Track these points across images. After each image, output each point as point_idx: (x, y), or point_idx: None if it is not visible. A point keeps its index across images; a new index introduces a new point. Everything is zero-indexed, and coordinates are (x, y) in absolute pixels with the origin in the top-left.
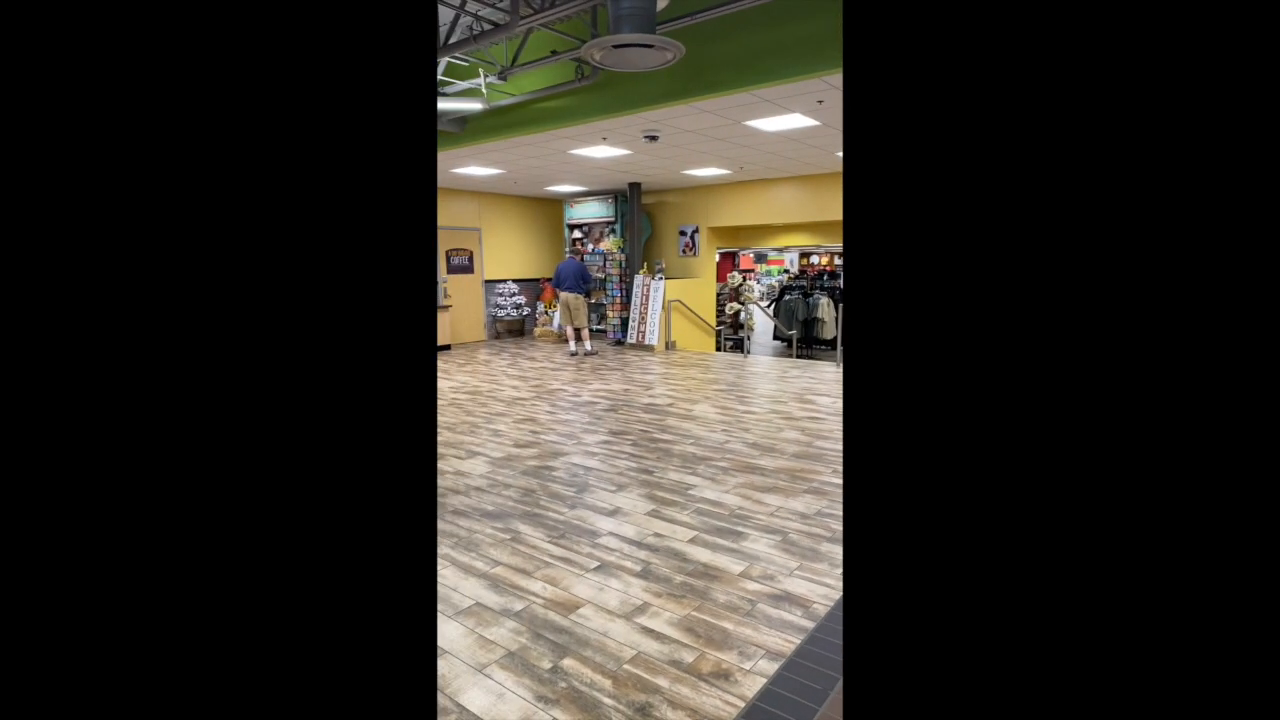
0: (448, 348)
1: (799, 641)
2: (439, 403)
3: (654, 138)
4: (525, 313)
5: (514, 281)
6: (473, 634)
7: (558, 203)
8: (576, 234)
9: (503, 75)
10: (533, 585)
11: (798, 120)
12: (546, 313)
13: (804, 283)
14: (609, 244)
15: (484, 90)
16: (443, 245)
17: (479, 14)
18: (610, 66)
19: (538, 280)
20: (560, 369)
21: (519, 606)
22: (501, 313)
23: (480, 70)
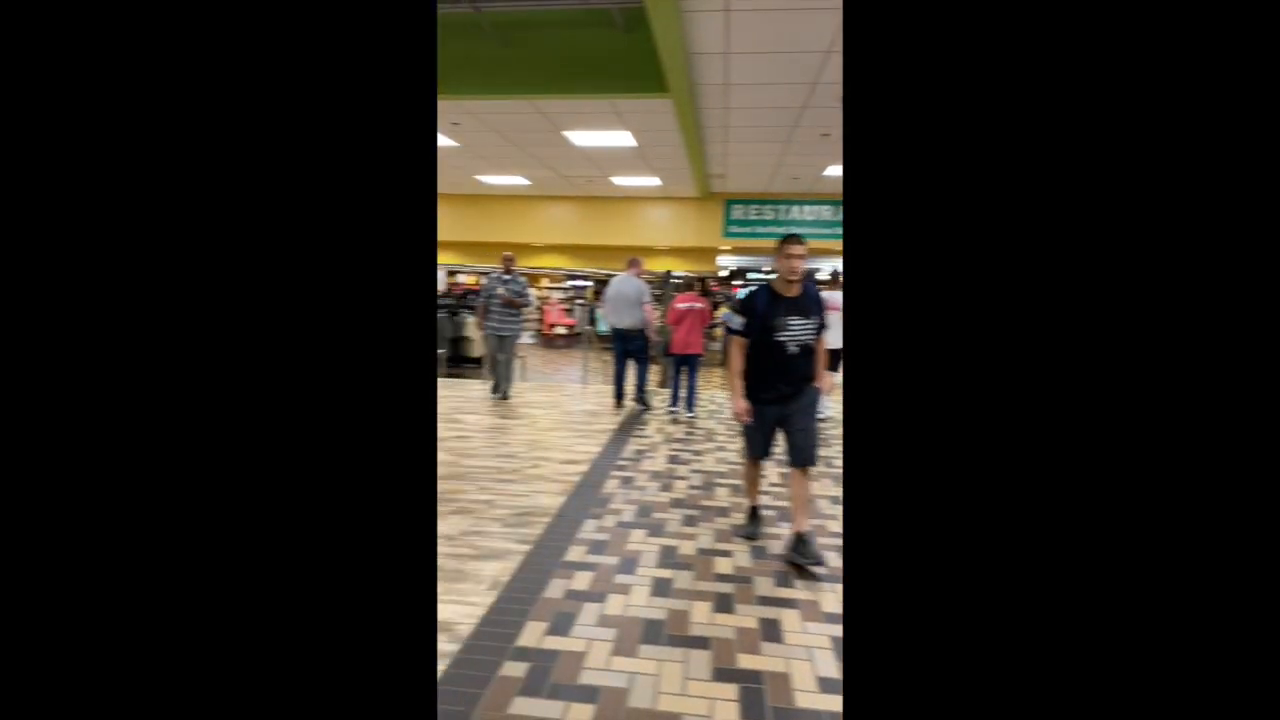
0: None
1: (444, 667)
2: None
3: None
4: None
5: None
6: None
7: None
8: None
9: None
10: None
11: (438, 139)
12: None
13: (451, 301)
14: None
15: None
16: None
17: None
18: None
19: None
20: None
21: None
22: None
23: None
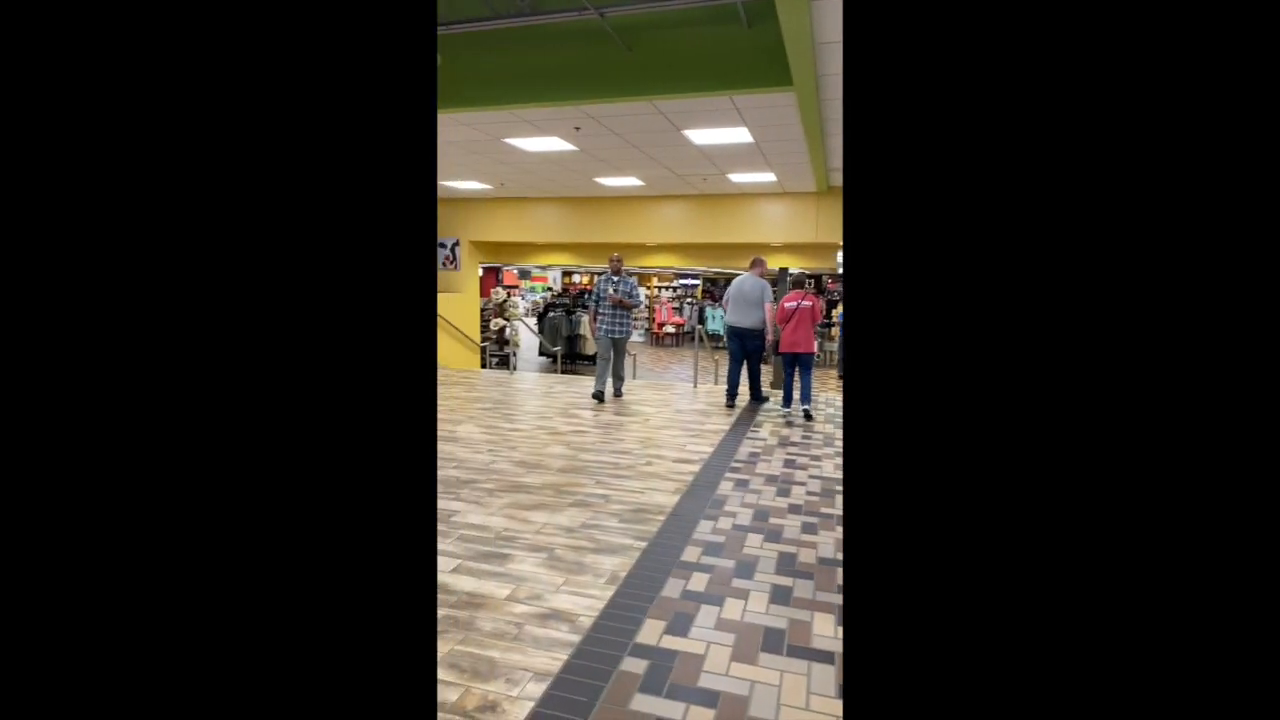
0: None
1: (566, 657)
2: None
3: None
4: None
5: None
6: None
7: None
8: None
9: None
10: None
11: (557, 144)
12: None
13: (567, 300)
14: None
15: None
16: None
17: None
18: None
19: None
20: None
21: None
22: None
23: None
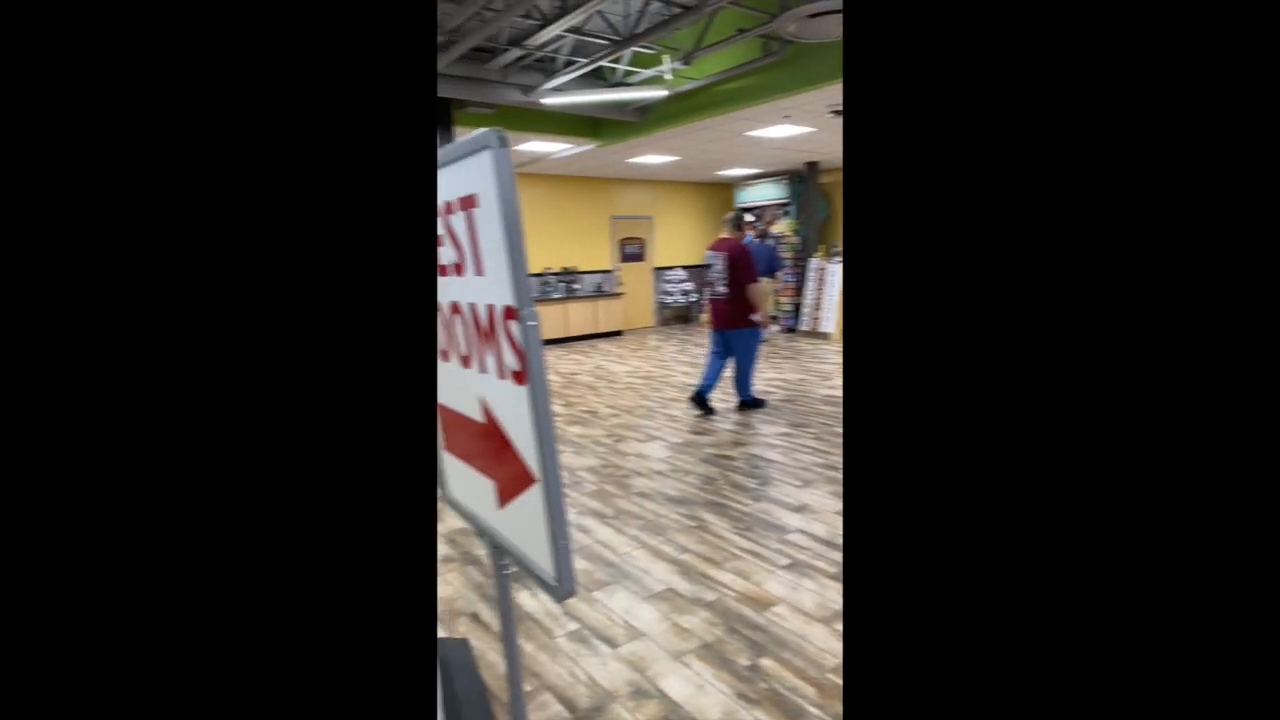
0: (619, 333)
1: None
2: (615, 385)
3: (841, 112)
4: (692, 299)
5: (682, 268)
6: (667, 619)
7: (728, 187)
8: (749, 217)
9: (687, 59)
10: (723, 576)
11: None
12: None
13: None
14: (782, 226)
15: (668, 76)
16: (617, 234)
17: None
18: (804, 38)
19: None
20: None
21: (710, 597)
22: (670, 299)
23: (664, 57)
